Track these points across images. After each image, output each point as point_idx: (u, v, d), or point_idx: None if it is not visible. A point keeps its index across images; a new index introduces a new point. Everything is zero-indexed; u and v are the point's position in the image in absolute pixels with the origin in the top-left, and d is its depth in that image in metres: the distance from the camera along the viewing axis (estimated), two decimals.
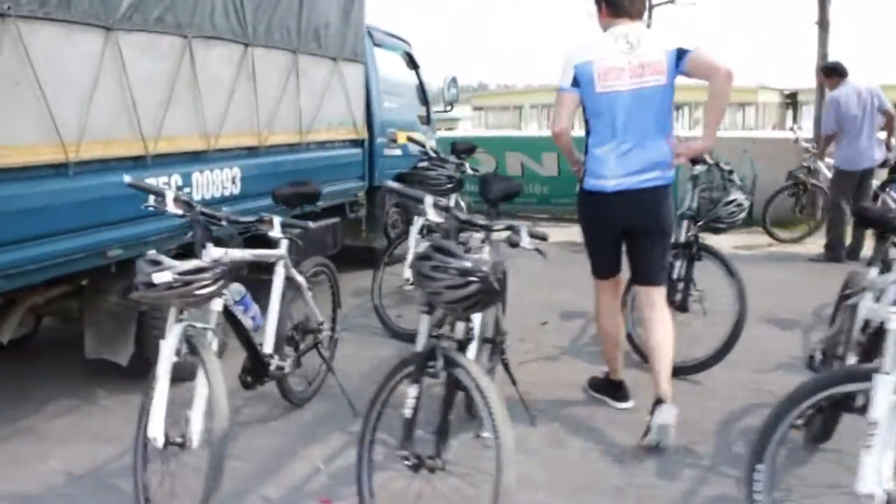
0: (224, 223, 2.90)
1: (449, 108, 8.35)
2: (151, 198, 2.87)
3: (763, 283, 4.48)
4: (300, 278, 3.74)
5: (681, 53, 3.49)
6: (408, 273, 5.18)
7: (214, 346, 2.88)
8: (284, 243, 3.53)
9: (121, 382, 4.31)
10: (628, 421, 3.92)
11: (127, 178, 2.93)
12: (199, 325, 2.82)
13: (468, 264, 2.40)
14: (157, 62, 3.95)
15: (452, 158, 5.62)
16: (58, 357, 4.86)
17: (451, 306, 2.46)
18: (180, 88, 4.09)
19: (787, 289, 6.47)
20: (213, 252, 2.86)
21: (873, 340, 2.93)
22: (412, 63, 7.81)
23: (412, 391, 2.60)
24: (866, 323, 3.07)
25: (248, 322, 3.28)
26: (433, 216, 2.62)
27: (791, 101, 35.97)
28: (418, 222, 5.24)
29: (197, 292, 2.61)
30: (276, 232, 3.02)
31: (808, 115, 37.59)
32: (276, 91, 5.00)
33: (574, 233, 4.66)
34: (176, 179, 4.08)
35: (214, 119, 4.39)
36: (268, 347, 3.53)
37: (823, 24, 8.59)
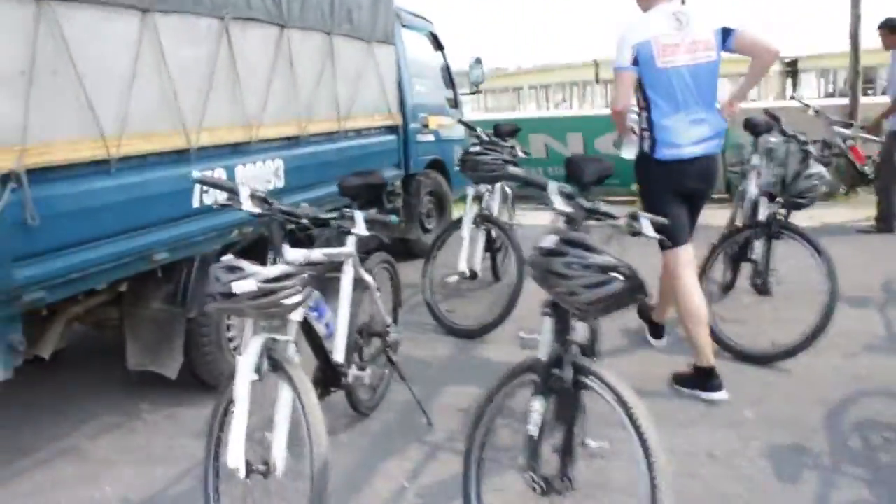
0: (304, 221, 2.56)
1: (476, 90, 7.99)
2: (223, 195, 2.52)
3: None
4: (368, 277, 3.40)
5: (726, 32, 3.69)
6: (463, 265, 4.86)
7: (297, 359, 2.54)
8: (352, 240, 3.19)
9: (164, 395, 4.01)
10: (726, 416, 3.62)
11: (195, 174, 2.59)
12: (280, 337, 2.49)
13: (611, 260, 2.07)
14: (196, 47, 3.60)
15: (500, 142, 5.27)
16: (93, 368, 4.55)
17: (587, 308, 2.13)
18: (220, 75, 3.74)
19: (847, 264, 6.07)
20: (291, 254, 2.52)
21: None
22: (437, 44, 7.44)
23: (537, 405, 2.28)
24: None
25: (322, 329, 2.95)
26: (559, 205, 2.29)
27: (791, 69, 35.48)
28: (471, 211, 4.90)
29: (284, 302, 2.27)
30: (359, 229, 2.68)
31: (807, 83, 37.18)
32: (313, 76, 4.65)
33: None
34: (220, 174, 3.74)
35: (255, 107, 4.04)
36: (338, 356, 3.20)
37: None
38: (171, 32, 3.39)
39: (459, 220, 5.00)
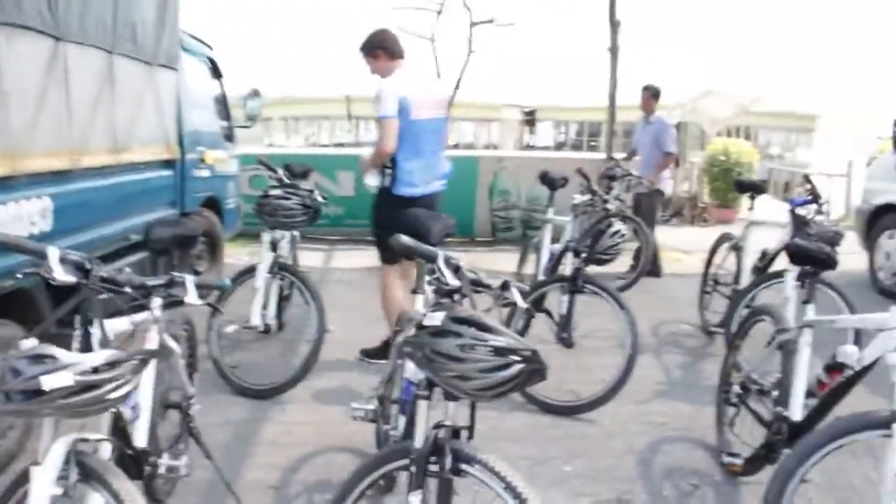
0: (128, 290, 2.07)
1: (250, 123, 7.48)
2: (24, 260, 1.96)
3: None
4: (173, 343, 2.90)
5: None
6: (257, 318, 4.43)
7: (113, 462, 2.04)
8: (158, 302, 2.69)
9: None
10: (549, 474, 3.60)
11: None
12: (91, 436, 1.98)
13: (510, 340, 1.87)
14: None
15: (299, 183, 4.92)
16: None
17: (480, 393, 1.90)
18: None
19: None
20: (112, 330, 2.03)
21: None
22: (216, 72, 6.87)
23: (415, 500, 2.00)
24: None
25: (128, 413, 2.43)
26: (450, 279, 2.04)
27: (530, 118, 38.46)
28: (267, 258, 4.49)
29: (111, 396, 1.79)
30: (191, 297, 2.22)
31: (542, 131, 40.48)
32: (89, 100, 3.97)
33: (374, 257, 4.99)
34: None
35: (21, 134, 3.34)
36: (141, 440, 2.65)
37: (614, 50, 8.97)
38: None
39: (252, 269, 4.57)
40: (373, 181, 4.60)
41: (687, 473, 3.63)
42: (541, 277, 5.18)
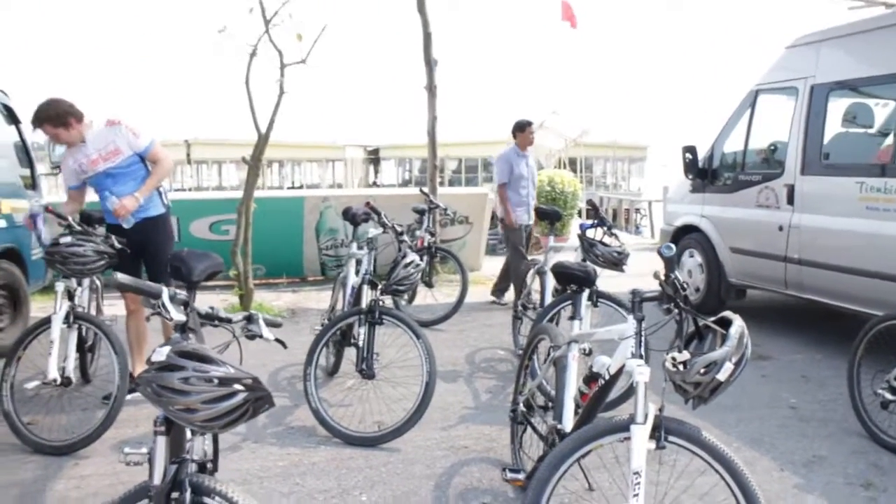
0: None
1: (56, 170, 7.18)
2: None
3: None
4: None
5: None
6: (53, 371, 4.25)
7: None
8: None
9: None
10: None
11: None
12: None
13: (231, 370, 1.94)
14: None
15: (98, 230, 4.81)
16: None
17: (209, 424, 1.96)
18: None
19: (436, 340, 6.70)
20: None
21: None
22: (12, 118, 6.56)
23: None
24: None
25: None
26: (175, 314, 2.09)
27: (374, 156, 38.97)
28: (63, 308, 4.33)
29: None
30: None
31: (386, 168, 41.12)
32: None
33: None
34: None
35: None
36: None
37: (431, 89, 9.26)
38: None
39: (48, 320, 4.40)
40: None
41: (482, 492, 3.77)
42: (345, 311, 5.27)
